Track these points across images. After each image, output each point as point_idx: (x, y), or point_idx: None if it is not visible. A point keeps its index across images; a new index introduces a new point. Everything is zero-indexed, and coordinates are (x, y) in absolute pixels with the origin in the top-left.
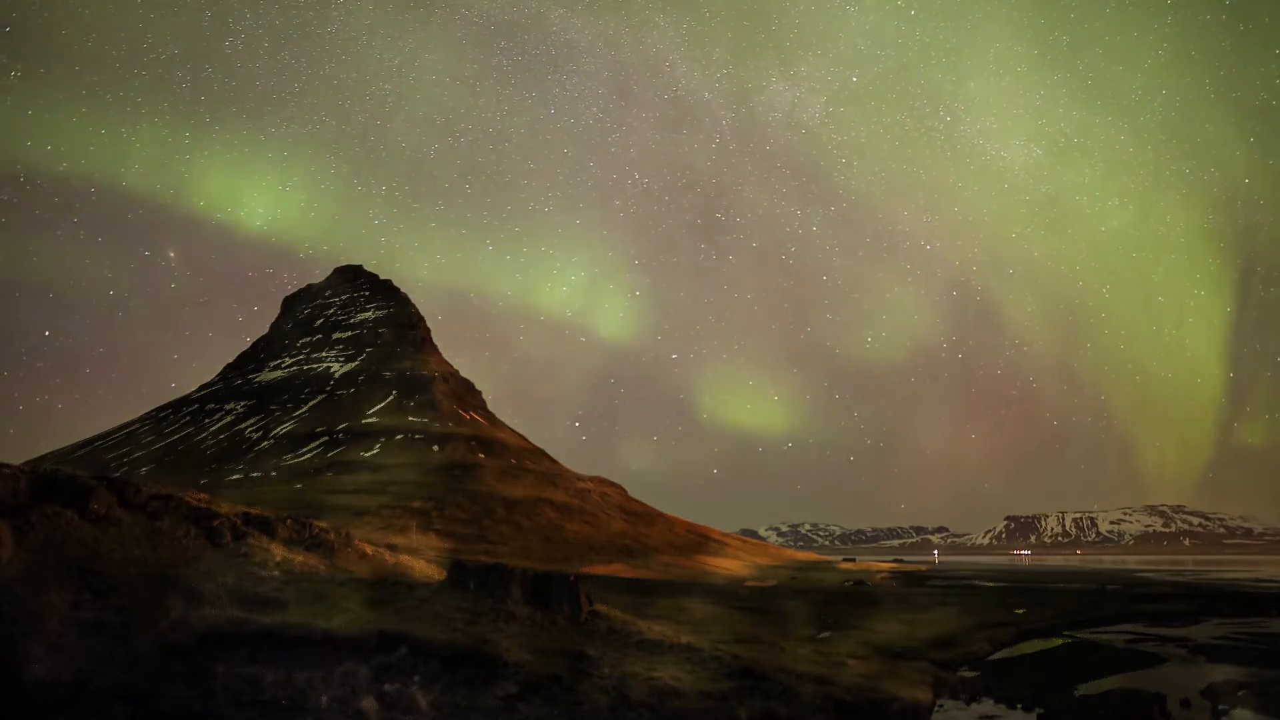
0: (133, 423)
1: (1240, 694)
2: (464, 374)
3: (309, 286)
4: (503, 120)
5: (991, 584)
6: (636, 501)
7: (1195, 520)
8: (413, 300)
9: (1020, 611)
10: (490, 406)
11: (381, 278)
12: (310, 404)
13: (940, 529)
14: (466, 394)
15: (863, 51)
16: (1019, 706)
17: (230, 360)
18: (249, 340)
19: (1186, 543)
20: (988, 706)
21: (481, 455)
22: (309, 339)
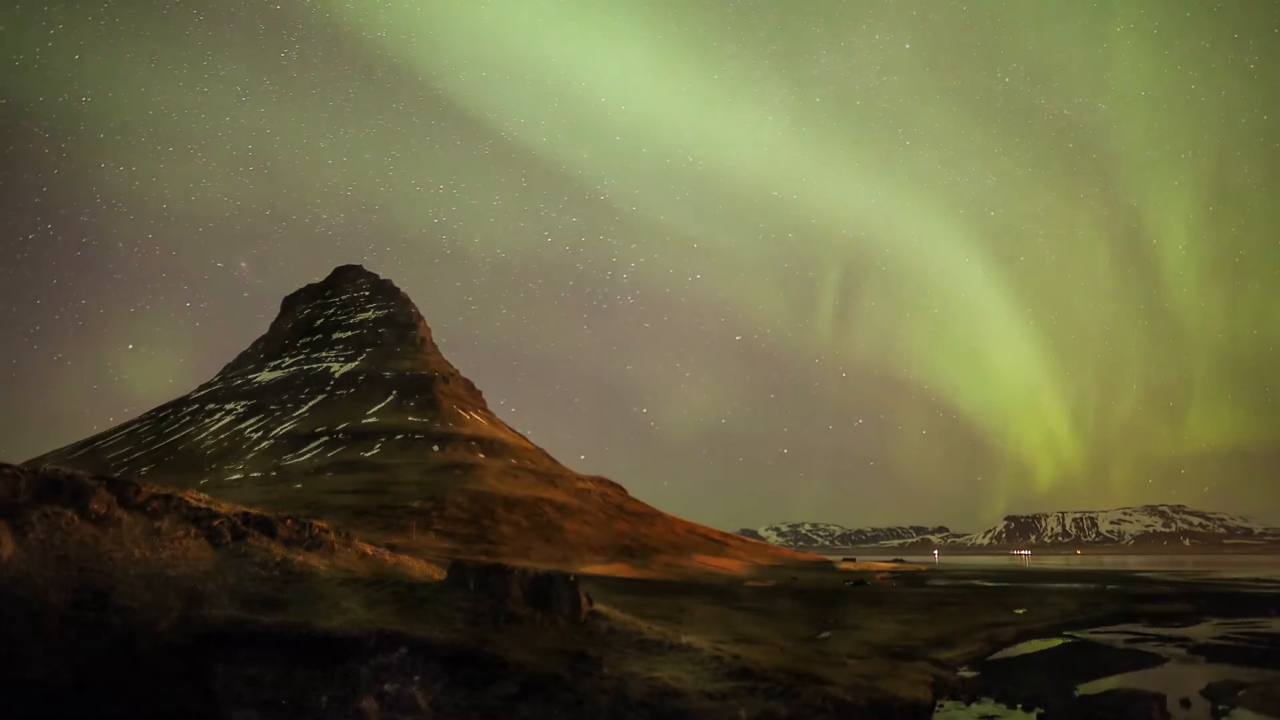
0: (133, 423)
1: (1240, 694)
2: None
3: (309, 286)
4: (554, 111)
5: (991, 584)
6: (636, 501)
7: (1195, 520)
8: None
9: (1020, 611)
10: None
11: (381, 277)
12: (310, 404)
13: (940, 529)
14: (466, 394)
15: (914, 17)
16: (1019, 706)
17: (230, 360)
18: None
19: (1186, 543)
20: (988, 706)
21: (481, 455)
22: (309, 339)
